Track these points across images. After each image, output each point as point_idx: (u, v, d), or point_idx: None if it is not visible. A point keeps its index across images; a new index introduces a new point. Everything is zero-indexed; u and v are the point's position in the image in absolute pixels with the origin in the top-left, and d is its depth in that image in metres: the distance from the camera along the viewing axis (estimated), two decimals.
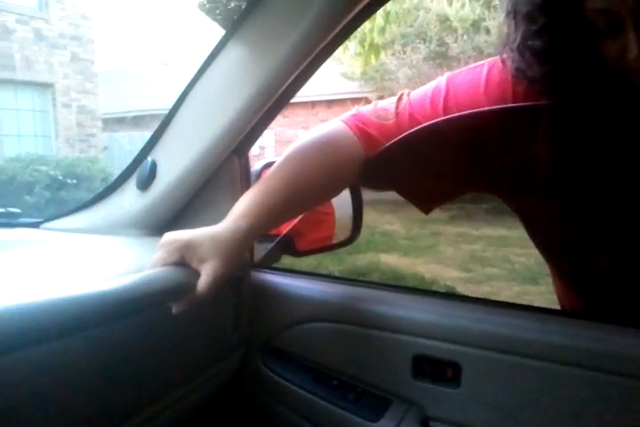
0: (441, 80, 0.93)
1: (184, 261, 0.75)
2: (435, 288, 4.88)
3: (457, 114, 0.87)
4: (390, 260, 6.06)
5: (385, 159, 0.93)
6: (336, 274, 5.19)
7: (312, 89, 9.84)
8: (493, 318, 0.88)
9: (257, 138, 1.05)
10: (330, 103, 11.28)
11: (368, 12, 0.93)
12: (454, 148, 0.90)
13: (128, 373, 0.78)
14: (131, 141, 11.78)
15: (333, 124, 0.97)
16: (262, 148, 11.89)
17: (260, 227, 0.83)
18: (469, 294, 4.80)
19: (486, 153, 0.89)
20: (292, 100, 1.05)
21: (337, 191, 1.00)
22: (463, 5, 8.08)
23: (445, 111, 0.89)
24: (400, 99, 0.95)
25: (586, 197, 0.85)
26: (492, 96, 0.87)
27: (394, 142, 0.91)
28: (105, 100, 11.21)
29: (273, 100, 0.96)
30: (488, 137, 0.88)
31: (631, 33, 0.69)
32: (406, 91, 0.98)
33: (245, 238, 0.80)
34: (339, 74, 9.23)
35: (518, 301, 4.32)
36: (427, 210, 1.01)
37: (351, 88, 10.21)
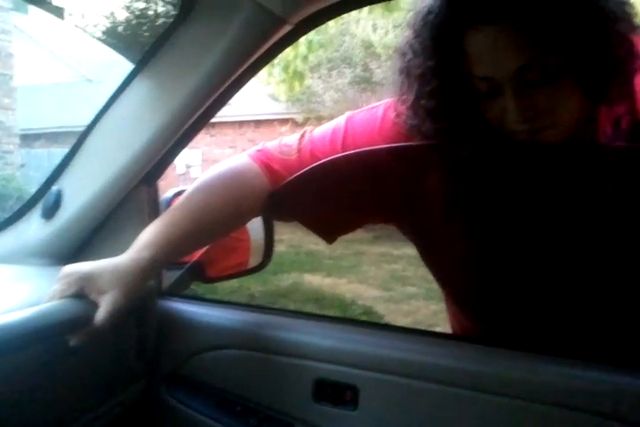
0: (341, 119, 0.99)
1: (84, 292, 0.76)
2: (354, 308, 4.96)
3: (354, 151, 0.93)
4: (314, 280, 6.11)
5: (288, 192, 0.97)
6: (257, 295, 5.18)
7: (240, 109, 9.85)
8: (390, 343, 0.93)
9: (167, 166, 1.07)
10: (258, 123, 11.31)
11: (279, 47, 0.97)
12: (352, 182, 0.96)
13: (31, 401, 0.77)
14: (50, 158, 11.34)
15: (240, 159, 1.00)
16: (189, 166, 11.74)
17: (165, 258, 0.85)
18: (389, 313, 4.91)
19: (381, 187, 0.95)
20: (220, 120, 1.08)
21: (242, 223, 1.03)
22: (387, 32, 8.37)
23: (344, 148, 0.95)
24: (303, 136, 1.00)
25: (474, 225, 0.92)
26: (387, 135, 0.93)
27: (295, 176, 0.96)
28: (24, 116, 10.76)
29: (182, 131, 0.98)
30: (382, 172, 0.94)
31: (509, 97, 0.78)
32: (309, 128, 1.03)
33: (148, 269, 0.82)
34: (266, 95, 9.29)
35: (434, 319, 4.46)
36: (330, 240, 1.06)
37: (278, 109, 10.30)
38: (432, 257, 1.04)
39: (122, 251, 0.84)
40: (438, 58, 0.81)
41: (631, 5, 0.79)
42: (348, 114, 1.00)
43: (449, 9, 0.79)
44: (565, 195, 0.87)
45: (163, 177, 1.09)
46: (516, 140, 0.82)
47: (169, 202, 1.14)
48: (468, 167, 0.89)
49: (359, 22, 8.56)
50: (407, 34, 0.86)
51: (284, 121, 10.55)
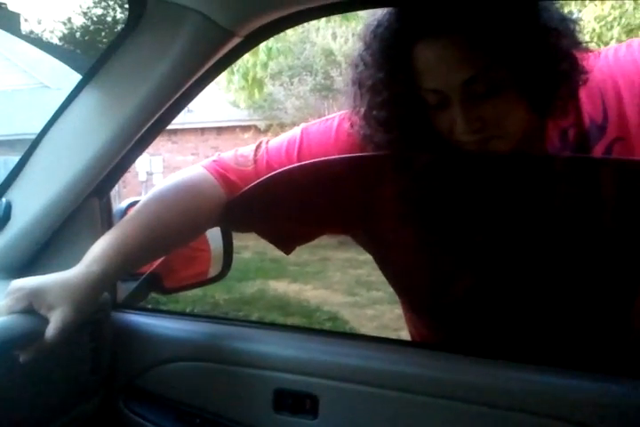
0: (296, 131, 1.00)
1: (32, 308, 0.75)
2: (320, 314, 4.96)
3: (309, 161, 0.94)
4: (279, 286, 6.09)
5: (244, 203, 0.97)
6: (221, 303, 5.14)
7: (201, 116, 9.78)
8: (349, 351, 0.94)
9: (119, 177, 1.05)
10: (219, 130, 11.24)
11: (229, 59, 0.97)
12: (307, 192, 0.96)
13: None
14: (5, 166, 11.08)
15: (194, 170, 1.00)
16: (150, 174, 11.59)
17: (116, 271, 0.84)
18: (354, 319, 4.92)
19: (336, 197, 0.96)
20: (182, 127, 1.08)
21: (198, 233, 1.02)
22: (347, 41, 8.44)
23: (299, 159, 0.95)
24: (259, 147, 1.00)
25: (428, 233, 0.94)
26: (341, 146, 0.94)
27: (251, 187, 0.96)
28: None
29: (134, 142, 0.97)
30: (337, 182, 0.95)
31: (457, 109, 0.80)
32: (265, 139, 1.03)
33: (98, 283, 0.81)
34: (227, 102, 9.25)
35: (399, 323, 4.48)
36: (287, 250, 1.06)
37: (241, 116, 10.27)
38: (388, 265, 1.05)
39: (74, 264, 0.83)
40: (388, 70, 0.83)
41: (575, 22, 0.82)
42: (303, 125, 1.01)
43: (397, 22, 0.81)
44: (513, 203, 0.89)
45: (124, 184, 1.07)
46: (465, 151, 0.84)
47: (123, 213, 1.13)
48: (420, 177, 0.90)
49: (319, 30, 8.62)
50: (359, 46, 0.87)
51: (246, 128, 10.52)
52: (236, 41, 0.88)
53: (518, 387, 0.82)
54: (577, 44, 0.82)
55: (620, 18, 5.47)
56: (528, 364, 0.84)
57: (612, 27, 5.57)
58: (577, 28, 0.81)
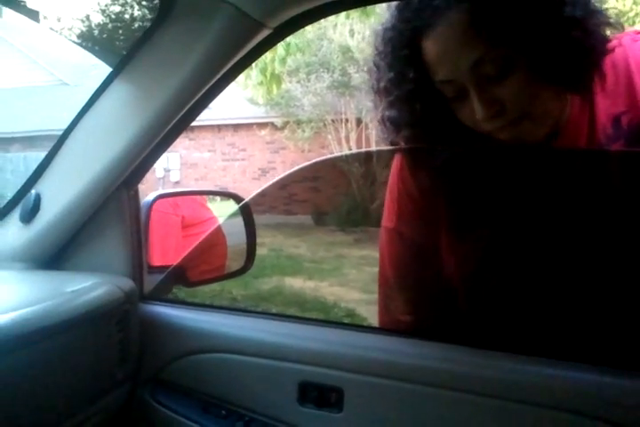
0: None
1: None
2: (337, 311, 4.96)
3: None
4: (295, 283, 6.09)
5: None
6: (239, 298, 5.15)
7: (218, 113, 9.81)
8: (373, 344, 0.93)
9: (147, 170, 1.06)
10: (236, 127, 11.27)
11: (258, 51, 0.97)
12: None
13: (12, 406, 0.76)
14: (25, 162, 11.19)
15: None
16: (167, 170, 11.66)
17: None
18: (371, 316, 4.91)
19: None
20: (198, 124, 1.08)
21: None
22: (364, 37, 8.41)
23: None
24: None
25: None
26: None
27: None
28: None
29: (163, 134, 0.98)
30: None
31: (473, 96, 0.79)
32: None
33: None
34: (244, 99, 9.27)
35: None
36: None
37: (257, 113, 10.28)
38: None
39: (102, 255, 0.84)
40: (400, 69, 0.83)
41: None
42: None
43: (401, 23, 0.82)
44: (544, 197, 0.88)
45: (142, 181, 1.08)
46: (497, 140, 0.83)
47: (150, 205, 1.14)
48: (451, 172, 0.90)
49: (337, 27, 8.60)
50: (371, 54, 0.89)
51: (263, 125, 10.53)
52: (265, 33, 0.89)
53: (562, 385, 0.80)
54: (591, 12, 0.78)
55: None
56: (558, 359, 0.83)
57: (633, 22, 5.50)
58: None
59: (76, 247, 1.02)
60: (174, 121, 0.97)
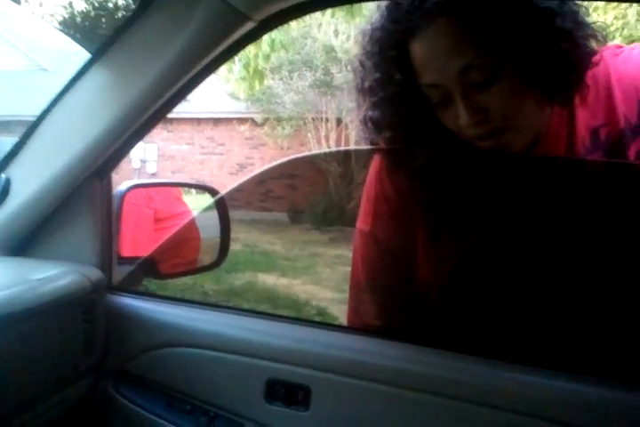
0: None
1: None
2: (308, 309, 4.96)
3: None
4: (268, 280, 6.07)
5: None
6: (211, 293, 5.12)
7: (199, 106, 9.73)
8: (343, 344, 0.93)
9: (120, 159, 1.04)
10: (217, 121, 11.19)
11: (240, 44, 0.96)
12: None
13: None
14: (0, 147, 11.00)
15: None
16: (144, 161, 11.54)
17: None
18: (343, 315, 4.92)
19: None
20: (178, 116, 1.06)
21: None
22: (348, 38, 8.42)
23: None
24: None
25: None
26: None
27: None
28: None
29: (138, 124, 0.96)
30: None
31: (458, 102, 0.79)
32: None
33: None
34: (226, 93, 9.20)
35: None
36: None
37: (238, 108, 10.22)
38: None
39: (71, 243, 0.82)
40: (386, 70, 0.83)
41: (577, 4, 0.79)
42: None
43: (390, 23, 0.81)
44: (522, 203, 0.88)
45: (117, 171, 1.07)
46: (477, 148, 0.83)
47: (123, 195, 1.12)
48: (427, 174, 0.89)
49: (321, 26, 8.59)
50: (357, 53, 0.88)
51: (243, 120, 10.48)
52: (250, 26, 0.87)
53: (524, 390, 0.81)
54: (579, 24, 0.79)
55: (623, 29, 5.49)
56: (525, 365, 0.84)
57: (614, 37, 5.59)
58: (579, 9, 0.79)
59: (45, 235, 1.00)
60: (151, 111, 0.95)
